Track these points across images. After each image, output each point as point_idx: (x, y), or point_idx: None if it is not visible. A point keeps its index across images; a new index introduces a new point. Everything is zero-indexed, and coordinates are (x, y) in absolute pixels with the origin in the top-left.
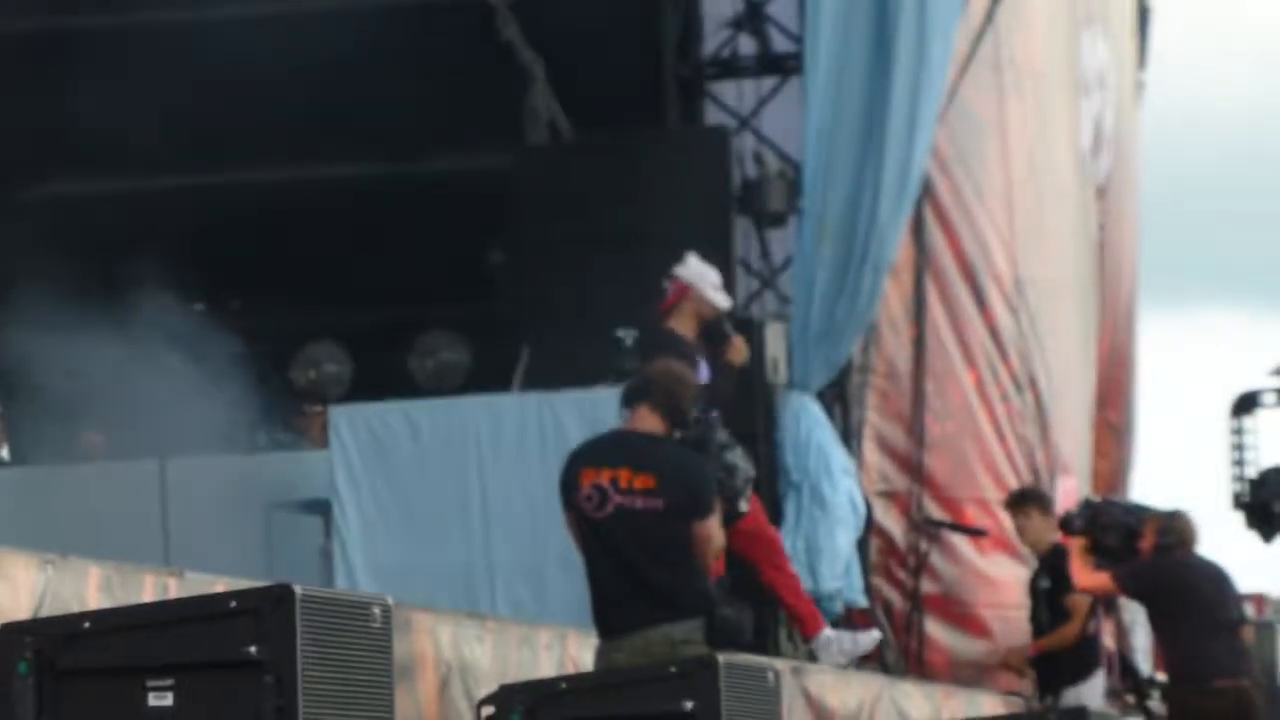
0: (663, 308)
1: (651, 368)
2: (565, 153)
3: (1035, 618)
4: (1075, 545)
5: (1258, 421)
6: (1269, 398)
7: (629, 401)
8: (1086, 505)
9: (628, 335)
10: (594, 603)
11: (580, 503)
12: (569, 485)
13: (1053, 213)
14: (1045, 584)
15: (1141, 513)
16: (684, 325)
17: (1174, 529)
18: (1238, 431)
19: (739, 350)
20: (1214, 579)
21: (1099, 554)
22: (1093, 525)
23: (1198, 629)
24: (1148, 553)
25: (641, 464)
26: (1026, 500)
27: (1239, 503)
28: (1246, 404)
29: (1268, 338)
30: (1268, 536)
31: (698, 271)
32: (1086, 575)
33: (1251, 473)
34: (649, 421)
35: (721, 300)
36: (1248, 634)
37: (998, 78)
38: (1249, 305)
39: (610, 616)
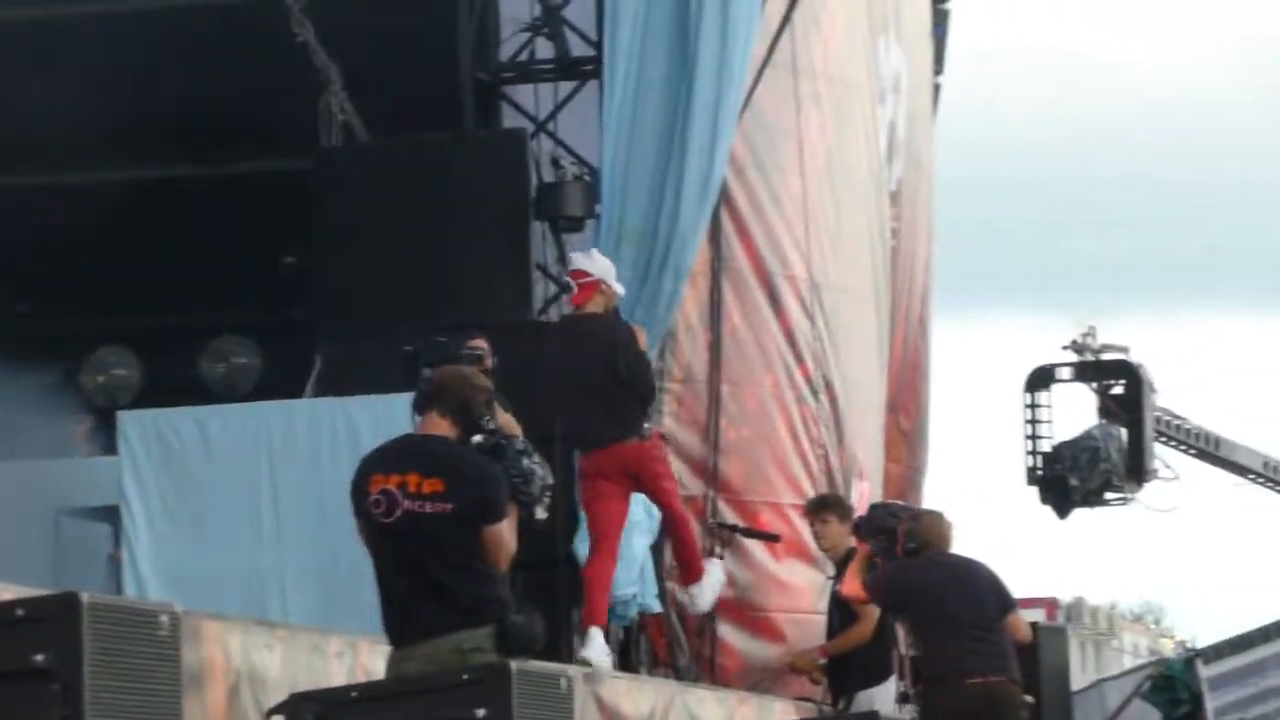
0: (577, 302)
1: (442, 372)
2: (363, 156)
3: (831, 622)
4: (863, 551)
5: (1052, 397)
6: (1063, 372)
7: (420, 407)
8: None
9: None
10: (383, 610)
11: (369, 508)
12: (359, 491)
13: (848, 218)
14: (838, 586)
15: (905, 515)
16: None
17: (917, 532)
18: (1032, 406)
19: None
20: (961, 579)
21: (875, 558)
22: (867, 530)
23: (943, 631)
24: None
25: (430, 468)
26: (825, 506)
27: (1033, 478)
28: (1041, 379)
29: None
30: (1062, 512)
31: (604, 265)
32: (850, 582)
33: (1045, 447)
34: (440, 426)
35: (620, 290)
36: (1018, 631)
37: (795, 84)
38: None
39: (399, 624)
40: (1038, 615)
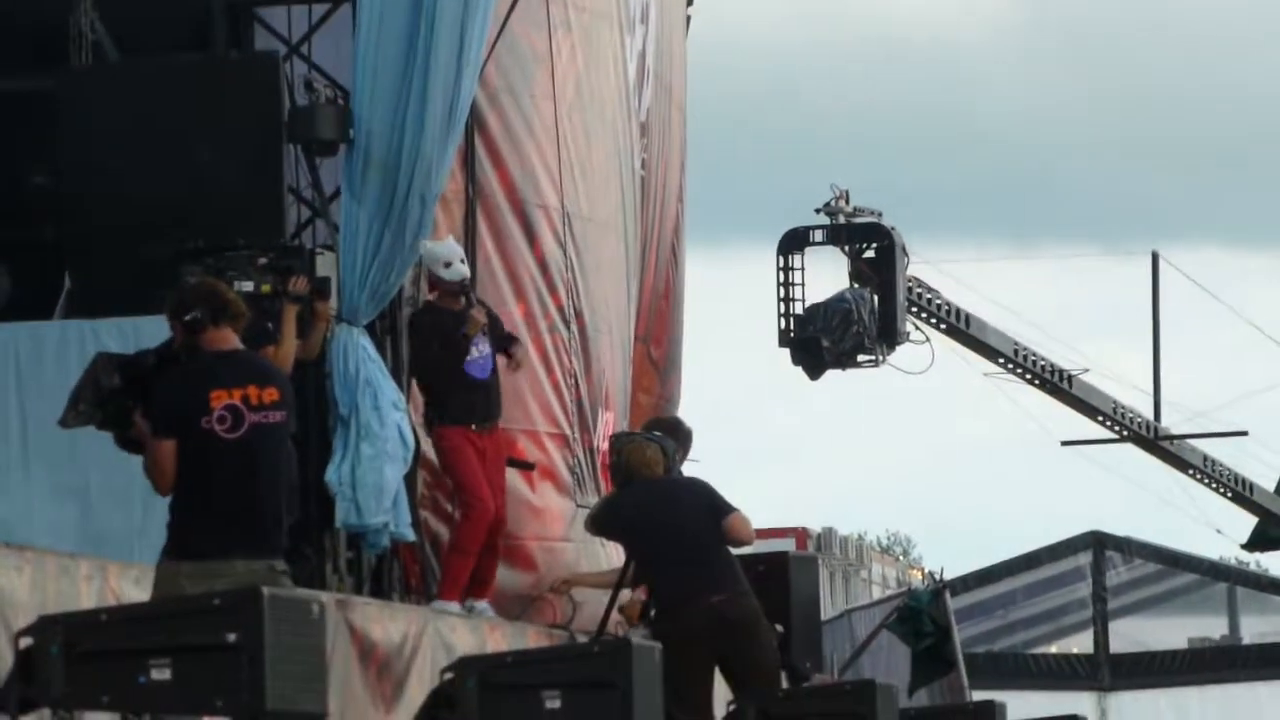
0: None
1: (208, 286)
2: (112, 76)
3: None
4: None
5: (805, 260)
6: (816, 235)
7: (212, 323)
8: None
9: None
10: (198, 525)
11: (211, 424)
12: (195, 408)
13: (598, 147)
14: None
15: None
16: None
17: (621, 464)
18: (785, 270)
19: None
20: (668, 503)
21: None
22: (609, 465)
23: (660, 560)
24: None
25: (264, 380)
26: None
27: (785, 340)
28: (793, 242)
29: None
30: (814, 373)
31: (429, 256)
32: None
33: (799, 310)
34: (232, 338)
35: (453, 274)
36: (738, 532)
37: (547, 11)
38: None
39: (215, 541)
40: (788, 545)
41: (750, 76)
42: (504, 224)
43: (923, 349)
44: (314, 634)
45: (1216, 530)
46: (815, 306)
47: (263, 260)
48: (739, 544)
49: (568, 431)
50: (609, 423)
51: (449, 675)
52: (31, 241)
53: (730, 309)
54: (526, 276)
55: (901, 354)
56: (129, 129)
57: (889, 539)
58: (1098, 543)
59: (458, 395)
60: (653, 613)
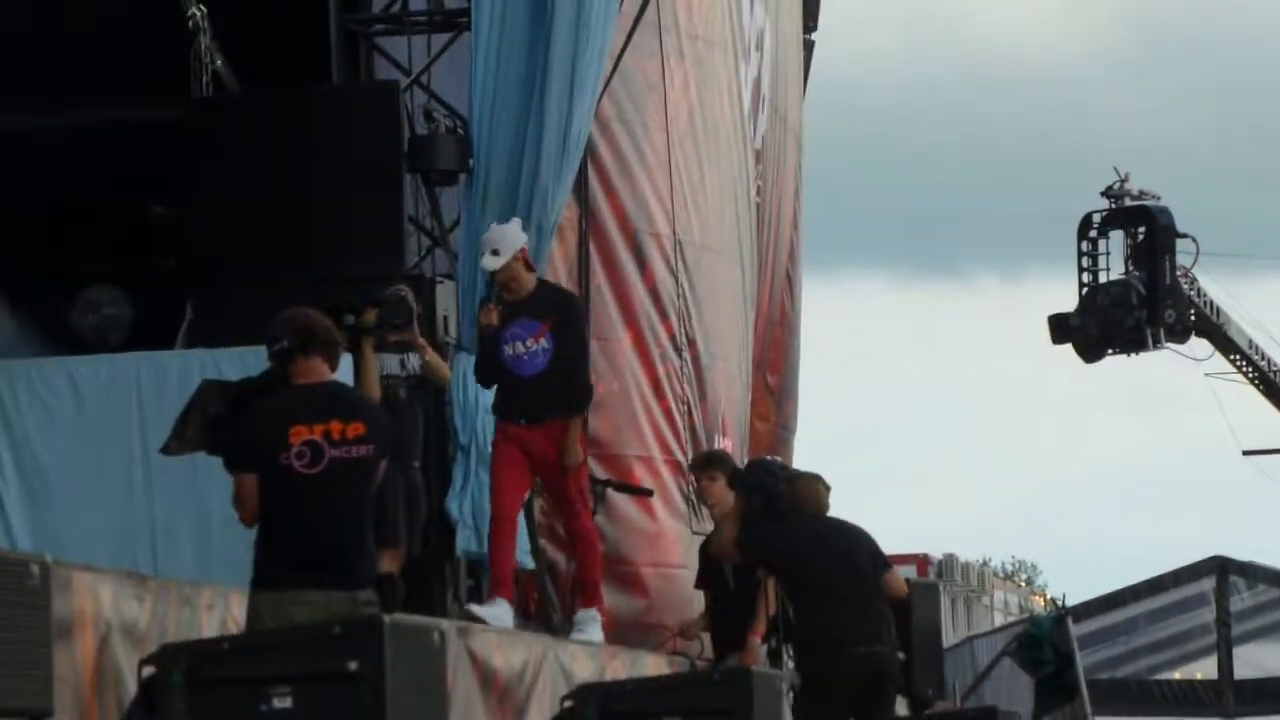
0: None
1: (301, 316)
2: (233, 106)
3: (706, 578)
4: (736, 507)
5: (1097, 244)
6: (1097, 218)
7: (301, 353)
8: (746, 468)
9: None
10: (278, 557)
11: (291, 460)
12: (273, 443)
13: (712, 175)
14: None
15: (783, 476)
16: None
17: (788, 494)
18: (1083, 254)
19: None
20: (834, 543)
21: (752, 517)
22: (743, 487)
23: (819, 598)
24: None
25: (349, 414)
26: (711, 463)
27: (1062, 324)
28: (1084, 226)
29: (908, 303)
30: (1090, 356)
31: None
32: (720, 542)
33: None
34: (322, 370)
35: (484, 265)
36: (895, 588)
37: (660, 40)
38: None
39: (294, 572)
40: (910, 571)
41: (867, 101)
42: (615, 252)
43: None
44: (435, 662)
45: None
46: (1094, 289)
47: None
48: (895, 600)
49: (681, 458)
50: (727, 449)
51: (569, 703)
52: (153, 272)
53: (844, 332)
54: (637, 304)
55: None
56: (249, 159)
57: (1013, 565)
58: (1221, 568)
59: (500, 390)
60: (780, 642)
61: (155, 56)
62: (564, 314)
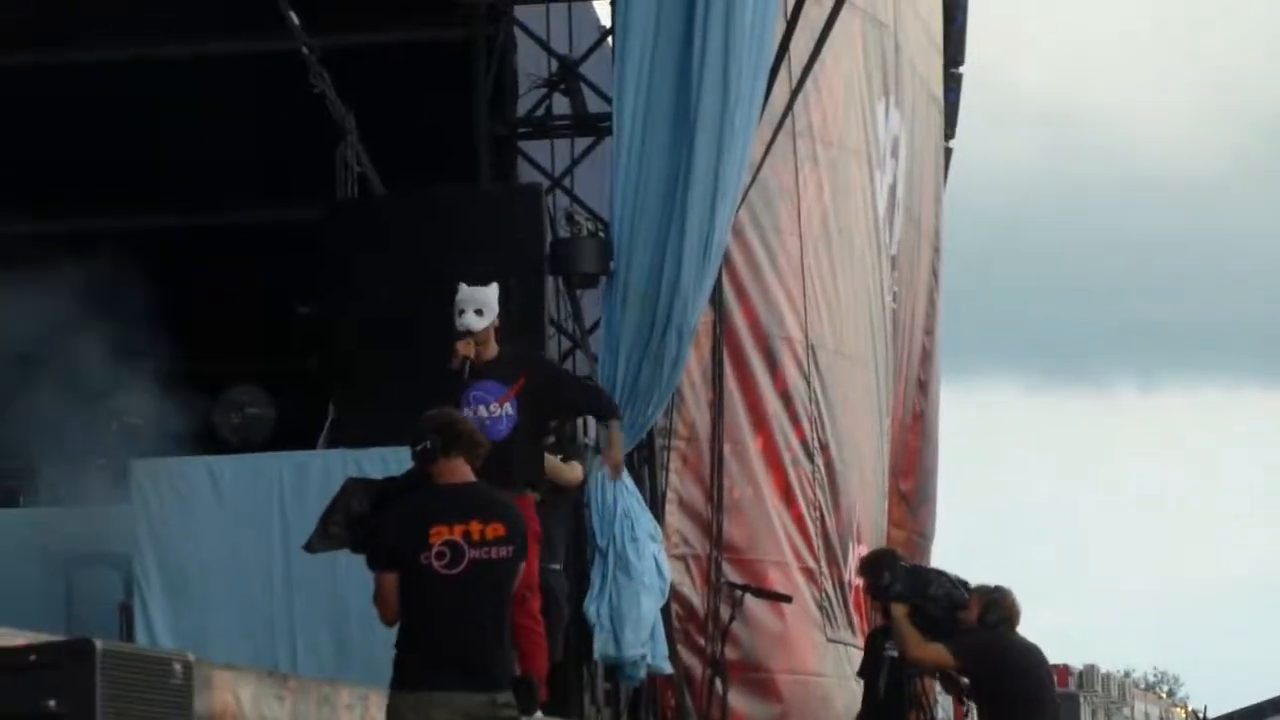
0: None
1: (445, 416)
2: (377, 207)
3: (872, 685)
4: (900, 612)
5: None
6: None
7: (444, 453)
8: (910, 572)
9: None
10: (417, 658)
11: (430, 560)
12: (414, 543)
13: (845, 281)
14: (894, 652)
15: (965, 585)
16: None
17: (1002, 605)
18: None
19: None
20: (1036, 657)
21: (921, 624)
22: (918, 593)
23: (1026, 709)
24: (973, 627)
25: (488, 514)
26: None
27: None
28: None
29: (1042, 409)
30: None
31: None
32: (920, 645)
33: None
34: (464, 470)
35: (470, 324)
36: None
37: (794, 145)
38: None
39: (433, 674)
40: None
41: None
42: (746, 355)
43: None
44: None
45: None
46: None
47: None
48: None
49: (813, 565)
50: (860, 556)
51: None
52: (296, 371)
53: (986, 437)
54: (768, 408)
55: None
56: (393, 260)
57: (1155, 676)
58: None
59: None
60: None
61: (302, 158)
62: (532, 371)
